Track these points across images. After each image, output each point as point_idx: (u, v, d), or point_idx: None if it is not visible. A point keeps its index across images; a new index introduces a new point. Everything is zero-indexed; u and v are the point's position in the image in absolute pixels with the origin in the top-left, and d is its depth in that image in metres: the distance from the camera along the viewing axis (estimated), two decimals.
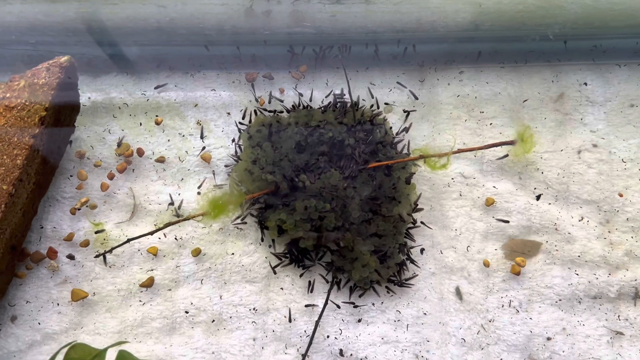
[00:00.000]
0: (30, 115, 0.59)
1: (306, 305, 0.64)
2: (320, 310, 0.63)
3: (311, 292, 0.65)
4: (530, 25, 0.69)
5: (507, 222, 0.67)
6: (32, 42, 0.68)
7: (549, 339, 0.64)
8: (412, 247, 0.66)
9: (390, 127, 0.68)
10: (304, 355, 0.62)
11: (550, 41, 0.71)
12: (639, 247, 0.66)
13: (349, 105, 0.68)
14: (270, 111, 0.69)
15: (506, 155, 0.68)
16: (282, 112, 0.69)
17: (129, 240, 0.62)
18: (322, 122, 0.65)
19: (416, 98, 0.71)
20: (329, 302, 0.64)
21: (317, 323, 0.63)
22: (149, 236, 0.64)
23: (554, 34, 0.70)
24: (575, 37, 0.71)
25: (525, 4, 0.68)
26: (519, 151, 0.66)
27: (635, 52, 0.73)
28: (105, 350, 0.54)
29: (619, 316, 0.65)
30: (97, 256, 0.64)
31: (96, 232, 0.65)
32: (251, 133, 0.66)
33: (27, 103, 0.60)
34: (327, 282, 0.65)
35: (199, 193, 0.67)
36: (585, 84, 0.72)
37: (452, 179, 0.68)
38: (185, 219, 0.63)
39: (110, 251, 0.64)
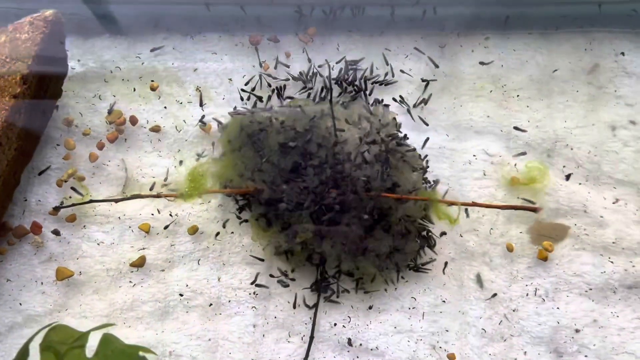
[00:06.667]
0: (11, 72, 0.55)
1: (311, 290, 0.60)
2: (323, 294, 0.59)
3: (319, 275, 0.60)
4: None
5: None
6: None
7: (577, 331, 0.59)
8: (430, 231, 0.61)
9: (405, 136, 0.63)
10: (309, 343, 0.58)
11: (583, 4, 0.66)
12: None
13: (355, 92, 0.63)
14: (249, 110, 0.64)
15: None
16: (262, 99, 0.64)
17: (91, 202, 0.60)
18: (316, 118, 0.60)
19: (436, 66, 0.66)
20: (339, 287, 0.60)
21: (316, 306, 0.58)
22: (140, 212, 0.60)
23: None
24: (611, 0, 0.66)
25: None
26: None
27: None
28: (88, 333, 0.50)
29: None
30: (56, 208, 0.61)
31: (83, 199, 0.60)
32: (230, 137, 0.61)
33: (7, 59, 0.55)
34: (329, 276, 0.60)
35: (180, 162, 0.63)
36: (623, 53, 0.67)
37: (474, 155, 0.63)
38: (174, 195, 0.59)
39: (70, 206, 0.60)
